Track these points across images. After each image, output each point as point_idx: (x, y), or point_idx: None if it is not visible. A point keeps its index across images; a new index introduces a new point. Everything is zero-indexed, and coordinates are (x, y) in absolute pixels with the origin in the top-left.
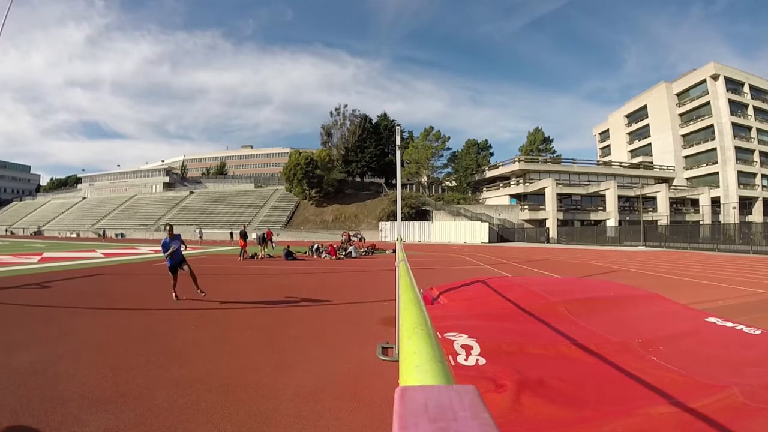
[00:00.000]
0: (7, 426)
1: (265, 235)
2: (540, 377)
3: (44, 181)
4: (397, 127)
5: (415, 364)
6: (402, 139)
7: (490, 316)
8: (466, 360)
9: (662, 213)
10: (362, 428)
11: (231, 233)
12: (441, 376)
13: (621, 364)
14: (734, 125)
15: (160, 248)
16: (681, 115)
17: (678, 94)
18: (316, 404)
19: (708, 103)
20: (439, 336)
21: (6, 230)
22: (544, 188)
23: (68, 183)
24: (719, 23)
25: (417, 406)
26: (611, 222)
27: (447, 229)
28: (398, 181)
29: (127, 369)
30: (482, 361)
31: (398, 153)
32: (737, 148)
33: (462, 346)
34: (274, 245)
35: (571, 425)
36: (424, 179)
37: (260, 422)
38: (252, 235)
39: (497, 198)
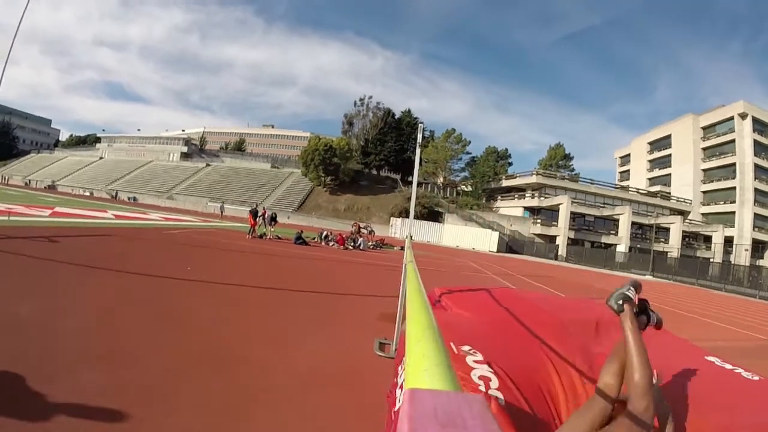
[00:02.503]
0: (1, 369)
1: (264, 214)
2: (550, 389)
3: (63, 137)
4: (419, 125)
5: (424, 367)
6: (423, 137)
7: (498, 328)
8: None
9: (674, 245)
10: (351, 418)
11: (221, 206)
12: (449, 381)
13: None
14: (757, 167)
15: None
16: (704, 149)
17: (704, 128)
18: (307, 388)
19: (733, 140)
20: (455, 349)
21: (23, 180)
22: (559, 205)
23: (87, 141)
24: (756, 62)
25: (426, 410)
26: (621, 247)
27: (457, 233)
28: (414, 179)
29: (125, 330)
30: (501, 398)
31: (418, 151)
32: (757, 190)
33: (480, 378)
34: (268, 225)
35: None
36: (440, 180)
37: (249, 398)
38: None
39: (510, 208)
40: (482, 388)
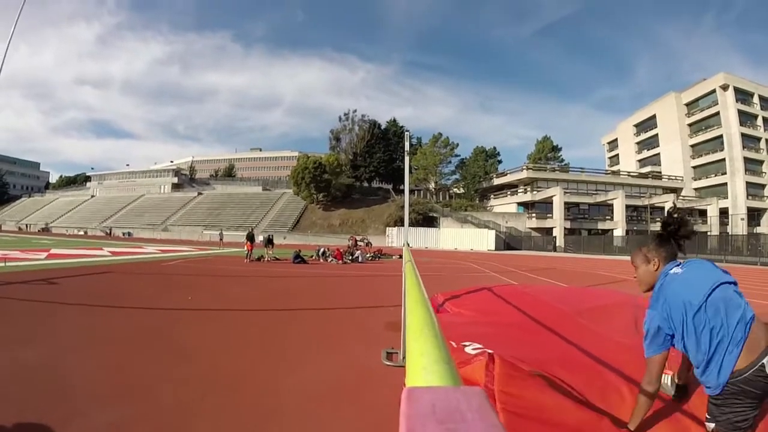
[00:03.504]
0: (13, 420)
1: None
2: (561, 381)
3: (53, 179)
4: (406, 133)
5: (422, 365)
6: (410, 145)
7: (502, 325)
8: None
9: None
10: (363, 430)
11: (220, 233)
12: (448, 377)
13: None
14: (743, 136)
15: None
16: (690, 125)
17: (687, 104)
18: (319, 406)
19: (717, 113)
20: (454, 345)
21: (16, 225)
22: (552, 197)
23: (77, 181)
24: (731, 33)
25: (424, 408)
26: (619, 232)
27: (454, 236)
28: (406, 187)
29: (132, 366)
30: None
31: (407, 159)
32: (746, 159)
33: (474, 349)
34: (265, 248)
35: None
36: (431, 185)
37: (261, 420)
38: (258, 238)
39: (505, 206)
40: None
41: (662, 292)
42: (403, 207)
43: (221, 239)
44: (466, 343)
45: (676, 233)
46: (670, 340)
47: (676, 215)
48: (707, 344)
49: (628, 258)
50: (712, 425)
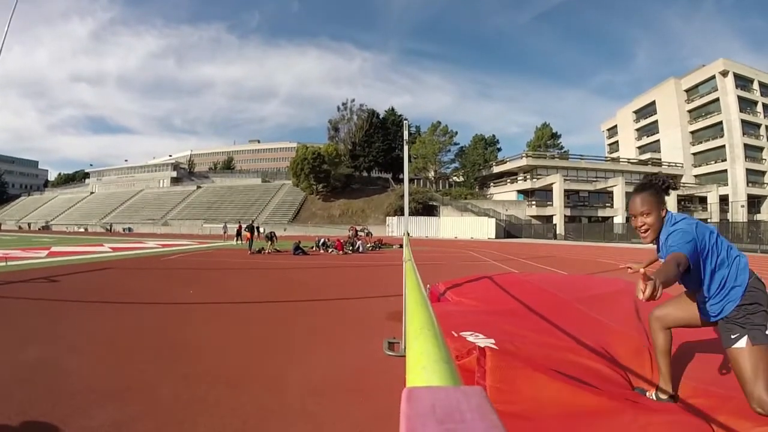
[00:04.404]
0: (15, 419)
1: (240, 229)
2: (561, 367)
3: (52, 177)
4: (404, 122)
5: (422, 365)
6: (409, 134)
7: (503, 313)
8: None
9: (670, 210)
10: (368, 423)
11: (224, 226)
12: (448, 376)
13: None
14: (743, 122)
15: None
16: (690, 111)
17: (687, 90)
18: (322, 398)
19: (717, 99)
20: (455, 335)
21: (16, 224)
22: (552, 184)
23: (76, 178)
24: (731, 17)
25: (424, 408)
26: (619, 219)
27: (454, 225)
28: (405, 176)
29: (133, 363)
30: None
31: (406, 148)
32: (746, 146)
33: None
34: (267, 242)
35: (598, 411)
36: (431, 174)
37: (266, 416)
38: (261, 230)
39: (504, 194)
40: (473, 339)
41: (688, 222)
42: (402, 196)
43: (225, 232)
44: (467, 333)
45: (666, 187)
46: (695, 255)
47: (659, 176)
48: (727, 259)
49: (629, 245)
50: (742, 339)
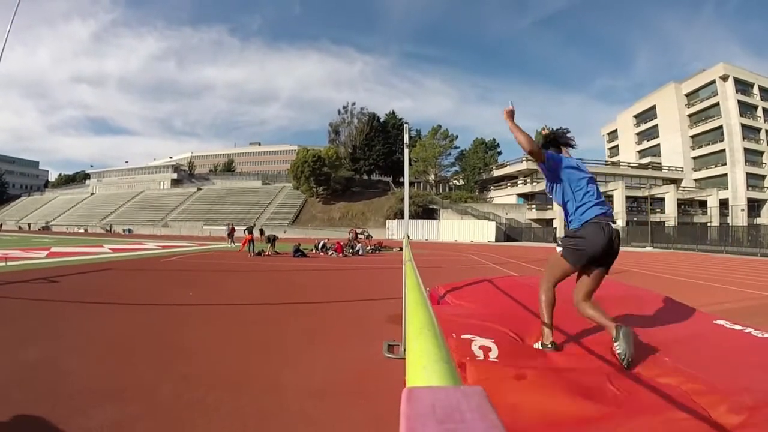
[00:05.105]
0: (14, 420)
1: (230, 231)
2: (559, 373)
3: (52, 177)
4: (405, 126)
5: (422, 365)
6: (410, 137)
7: (502, 316)
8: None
9: (670, 214)
10: (368, 425)
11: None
12: (448, 376)
13: (638, 365)
14: (743, 126)
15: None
16: (690, 116)
17: (687, 95)
18: (321, 401)
19: (717, 104)
20: (454, 337)
21: (16, 224)
22: None
23: (76, 179)
24: (731, 22)
25: (424, 408)
26: (619, 222)
27: (454, 228)
28: (406, 180)
29: (132, 364)
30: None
31: (406, 151)
32: (746, 150)
33: (480, 347)
34: (267, 244)
35: (589, 420)
36: (431, 178)
37: (265, 418)
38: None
39: (505, 197)
40: (481, 357)
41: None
42: (402, 199)
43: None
44: (467, 335)
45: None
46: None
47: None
48: (583, 194)
49: (629, 249)
50: (560, 249)
